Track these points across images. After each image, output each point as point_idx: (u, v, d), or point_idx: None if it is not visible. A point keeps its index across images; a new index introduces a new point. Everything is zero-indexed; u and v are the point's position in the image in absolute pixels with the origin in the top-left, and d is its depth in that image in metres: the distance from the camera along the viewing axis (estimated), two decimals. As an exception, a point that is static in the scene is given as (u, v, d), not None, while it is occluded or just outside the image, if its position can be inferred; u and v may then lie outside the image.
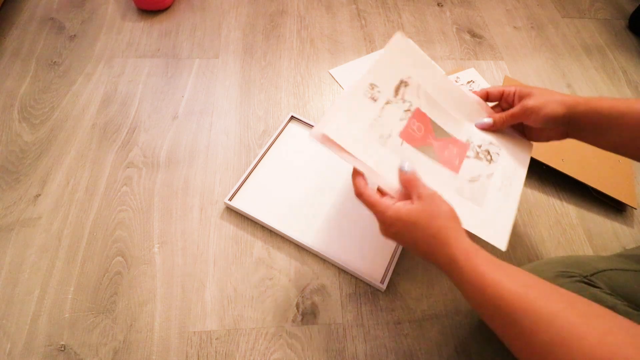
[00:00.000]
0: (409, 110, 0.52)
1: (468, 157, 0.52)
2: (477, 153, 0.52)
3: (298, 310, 0.52)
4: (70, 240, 0.55)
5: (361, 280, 0.54)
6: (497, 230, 0.48)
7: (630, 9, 0.95)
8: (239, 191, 0.60)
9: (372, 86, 0.50)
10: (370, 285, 0.54)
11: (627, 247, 0.60)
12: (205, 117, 0.69)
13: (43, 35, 0.77)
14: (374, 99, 0.50)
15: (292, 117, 0.68)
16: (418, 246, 0.39)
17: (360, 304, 0.53)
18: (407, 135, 0.50)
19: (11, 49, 0.74)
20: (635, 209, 0.64)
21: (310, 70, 0.77)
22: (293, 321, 0.51)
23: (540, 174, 0.67)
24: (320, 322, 0.51)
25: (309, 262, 0.55)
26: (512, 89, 0.51)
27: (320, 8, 0.88)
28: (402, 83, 0.52)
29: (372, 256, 0.56)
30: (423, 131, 0.51)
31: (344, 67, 0.78)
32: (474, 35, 0.87)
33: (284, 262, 0.55)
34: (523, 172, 0.53)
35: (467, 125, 0.54)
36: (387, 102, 0.51)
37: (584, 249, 0.60)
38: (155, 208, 0.58)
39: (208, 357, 0.48)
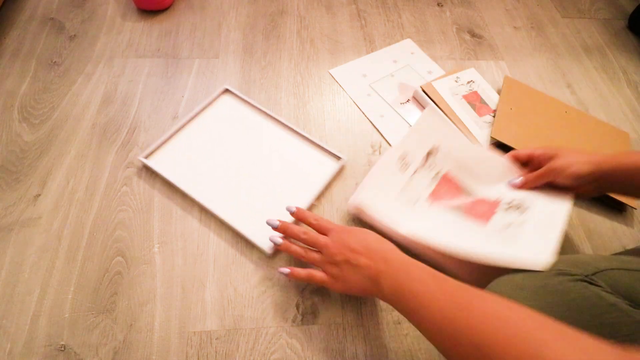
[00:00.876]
0: (437, 175, 0.57)
1: (498, 212, 0.54)
2: (508, 208, 0.54)
3: (298, 310, 0.52)
4: (70, 240, 0.55)
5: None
6: (535, 253, 0.44)
7: (630, 9, 0.95)
8: (156, 152, 0.62)
9: (402, 157, 0.56)
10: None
11: (627, 247, 0.60)
12: (205, 117, 0.69)
13: (43, 35, 0.77)
14: (404, 169, 0.56)
15: (226, 90, 0.70)
16: (369, 244, 0.44)
17: (360, 303, 0.53)
18: (435, 197, 0.55)
19: (11, 49, 0.74)
20: (635, 209, 0.64)
21: (310, 70, 0.77)
22: (293, 321, 0.51)
23: (540, 174, 0.67)
24: (320, 322, 0.51)
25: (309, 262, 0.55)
26: (539, 151, 0.55)
27: (320, 8, 0.88)
28: (431, 152, 0.58)
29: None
30: (452, 192, 0.56)
31: (344, 67, 0.78)
32: (474, 35, 0.87)
33: (284, 262, 0.55)
34: (562, 217, 0.50)
35: (498, 185, 0.56)
36: (416, 171, 0.56)
37: (584, 249, 0.60)
38: (155, 208, 0.58)
39: (208, 357, 0.48)
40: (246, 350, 0.49)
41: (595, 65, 0.85)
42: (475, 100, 0.74)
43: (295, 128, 0.66)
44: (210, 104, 0.68)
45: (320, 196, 0.61)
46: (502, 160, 0.58)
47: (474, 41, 0.86)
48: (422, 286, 0.37)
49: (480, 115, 0.72)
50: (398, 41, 0.84)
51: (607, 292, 0.38)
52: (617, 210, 0.64)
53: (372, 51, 0.81)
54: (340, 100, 0.73)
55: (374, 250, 0.43)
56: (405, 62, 0.80)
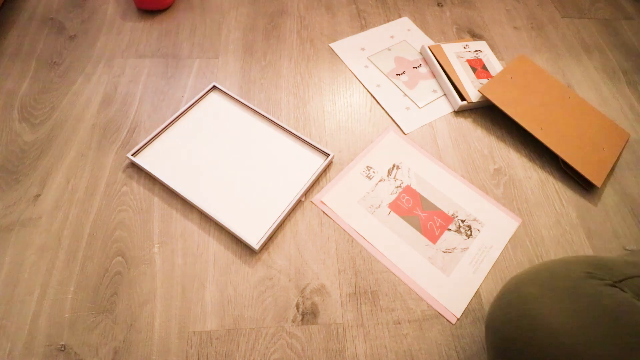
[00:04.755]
0: (399, 186, 0.63)
1: (449, 229, 0.59)
2: (459, 227, 0.60)
3: (298, 310, 0.52)
4: (70, 240, 0.55)
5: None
6: (455, 300, 0.54)
7: (630, 8, 0.95)
8: (144, 149, 0.63)
9: (369, 168, 0.64)
10: (370, 286, 0.54)
11: (627, 247, 0.60)
12: (205, 117, 0.69)
13: (43, 35, 0.77)
14: (369, 178, 0.63)
15: (214, 87, 0.71)
16: None
17: (360, 303, 0.53)
18: (395, 207, 0.61)
19: (11, 49, 0.74)
20: (599, 187, 0.66)
21: (310, 70, 0.77)
22: (293, 321, 0.51)
23: (540, 174, 0.67)
24: (320, 322, 0.51)
25: (309, 262, 0.56)
26: None
27: (320, 8, 0.88)
28: (395, 166, 0.65)
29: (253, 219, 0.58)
30: (412, 203, 0.61)
31: (344, 42, 0.82)
32: (474, 35, 0.87)
33: (284, 262, 0.55)
34: (497, 251, 0.58)
35: (456, 200, 0.62)
36: (381, 180, 0.63)
37: (584, 249, 0.60)
38: (155, 208, 0.58)
39: (208, 357, 0.48)
40: (246, 350, 0.49)
41: (595, 65, 0.85)
42: (477, 65, 0.78)
43: (283, 125, 0.66)
44: (198, 101, 0.69)
45: (308, 192, 0.61)
46: (461, 180, 0.64)
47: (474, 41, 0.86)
48: None
49: (478, 77, 0.76)
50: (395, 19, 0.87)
51: (635, 299, 0.36)
52: (584, 189, 0.66)
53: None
54: (340, 100, 0.73)
55: None
56: (401, 37, 0.84)
